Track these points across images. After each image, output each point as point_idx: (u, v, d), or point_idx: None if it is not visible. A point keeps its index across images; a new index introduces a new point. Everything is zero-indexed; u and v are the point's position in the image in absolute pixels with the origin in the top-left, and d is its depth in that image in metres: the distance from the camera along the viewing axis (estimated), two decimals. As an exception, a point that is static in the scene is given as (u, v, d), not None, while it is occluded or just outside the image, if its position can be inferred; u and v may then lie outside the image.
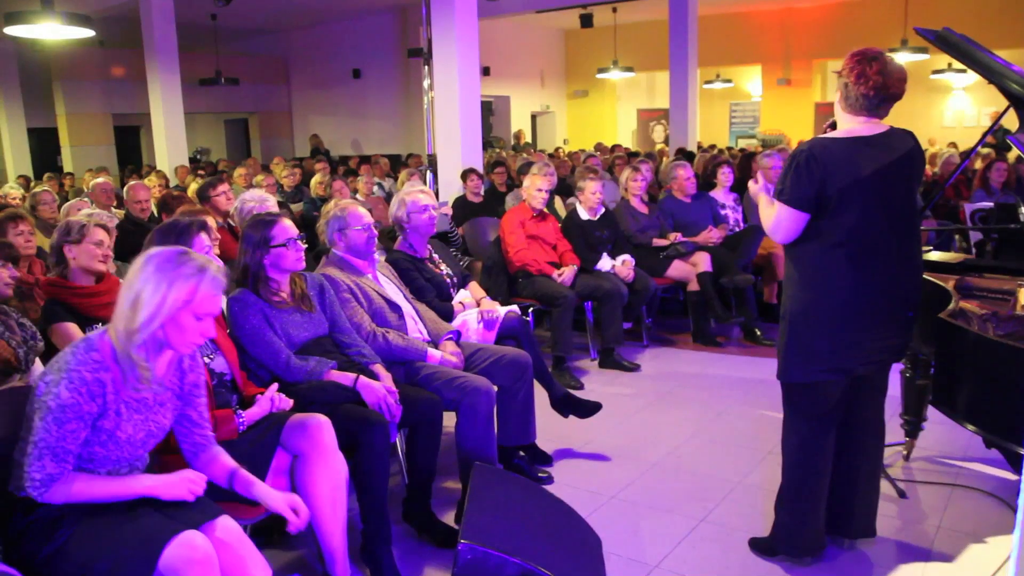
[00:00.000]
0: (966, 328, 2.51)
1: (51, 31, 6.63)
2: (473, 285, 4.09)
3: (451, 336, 3.44)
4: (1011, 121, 3.02)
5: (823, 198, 2.41)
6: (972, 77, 14.05)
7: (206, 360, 2.54)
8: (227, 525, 2.04)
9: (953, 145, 11.47)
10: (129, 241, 4.55)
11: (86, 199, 5.76)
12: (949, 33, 2.92)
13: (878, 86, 2.38)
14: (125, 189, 5.69)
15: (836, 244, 2.44)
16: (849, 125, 2.49)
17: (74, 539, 1.91)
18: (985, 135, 3.43)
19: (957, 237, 6.10)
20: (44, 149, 14.66)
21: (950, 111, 15.25)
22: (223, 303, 2.00)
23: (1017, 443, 2.32)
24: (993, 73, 2.85)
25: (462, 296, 3.99)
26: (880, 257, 2.45)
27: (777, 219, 2.50)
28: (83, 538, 1.91)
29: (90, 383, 1.90)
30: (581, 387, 4.62)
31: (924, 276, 2.72)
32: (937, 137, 13.65)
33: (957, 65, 12.18)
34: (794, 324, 2.53)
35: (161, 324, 1.93)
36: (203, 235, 2.77)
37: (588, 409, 3.73)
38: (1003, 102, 2.96)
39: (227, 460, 2.21)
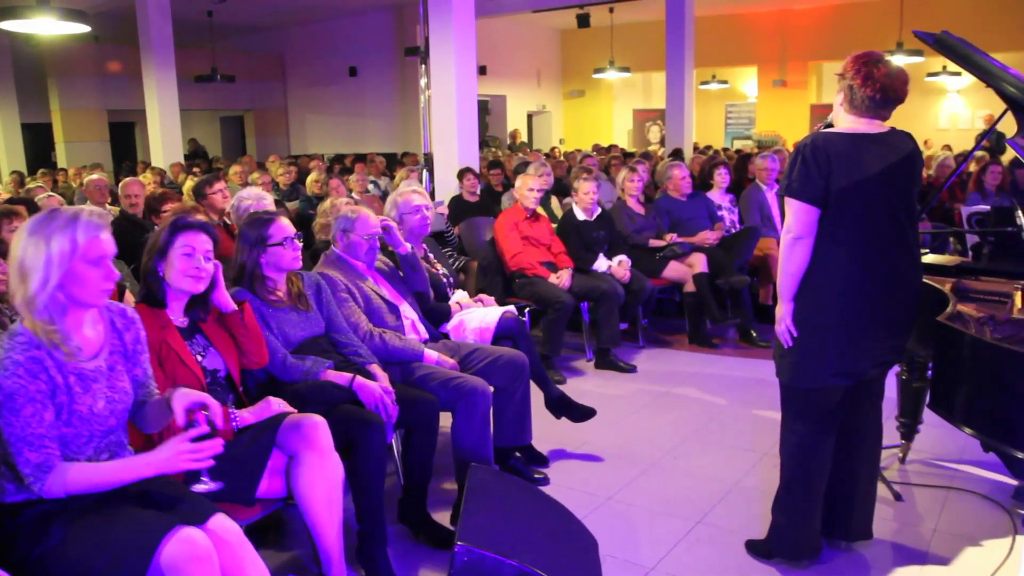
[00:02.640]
0: (963, 331, 2.51)
1: (46, 26, 6.58)
2: (459, 293, 4.10)
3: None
4: (1008, 125, 3.02)
5: (829, 192, 2.39)
6: (967, 80, 14.11)
7: (197, 358, 2.52)
8: (224, 524, 2.01)
9: (947, 147, 11.48)
10: (125, 238, 4.52)
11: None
12: (948, 36, 2.92)
13: (884, 88, 2.39)
14: (120, 185, 5.66)
15: (841, 242, 2.43)
16: (851, 126, 2.48)
17: (69, 538, 1.89)
18: (981, 139, 3.45)
19: (952, 240, 6.11)
20: (38, 145, 14.56)
21: (945, 113, 15.32)
22: (112, 242, 1.91)
23: (1015, 446, 2.32)
24: (991, 76, 2.85)
25: (459, 296, 3.99)
26: (885, 256, 2.45)
27: (788, 220, 2.46)
28: (78, 537, 1.88)
29: (24, 363, 1.86)
30: (564, 382, 4.68)
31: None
32: (932, 139, 13.69)
33: (952, 68, 12.25)
34: (801, 327, 2.51)
35: (58, 283, 1.88)
36: (203, 236, 2.49)
37: (582, 413, 3.72)
38: (999, 105, 2.96)
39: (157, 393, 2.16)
